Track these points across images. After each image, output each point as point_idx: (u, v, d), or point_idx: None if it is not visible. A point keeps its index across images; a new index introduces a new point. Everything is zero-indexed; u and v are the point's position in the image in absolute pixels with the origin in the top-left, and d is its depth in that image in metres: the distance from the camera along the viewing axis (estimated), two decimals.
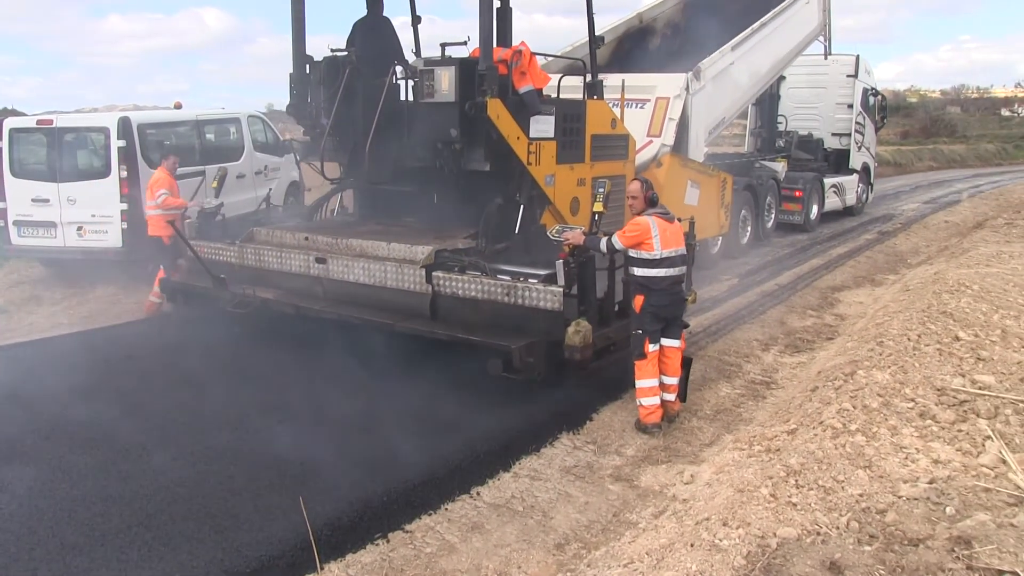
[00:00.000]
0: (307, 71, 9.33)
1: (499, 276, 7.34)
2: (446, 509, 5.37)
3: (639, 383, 6.73)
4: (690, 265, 6.99)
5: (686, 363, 7.09)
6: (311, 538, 4.59)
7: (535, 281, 7.07)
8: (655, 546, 4.45)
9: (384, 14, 9.92)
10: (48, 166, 11.81)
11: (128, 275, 11.86)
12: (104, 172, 11.51)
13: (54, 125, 11.86)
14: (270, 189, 10.40)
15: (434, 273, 7.50)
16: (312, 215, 10.22)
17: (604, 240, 6.77)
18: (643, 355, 6.70)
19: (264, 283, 8.64)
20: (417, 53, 10.43)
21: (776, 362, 8.63)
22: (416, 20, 10.88)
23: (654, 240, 6.58)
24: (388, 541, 4.98)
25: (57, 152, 11.77)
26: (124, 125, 11.47)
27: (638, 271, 6.73)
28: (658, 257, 6.62)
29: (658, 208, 6.78)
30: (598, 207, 7.36)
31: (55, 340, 9.25)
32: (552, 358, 6.80)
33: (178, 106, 13.67)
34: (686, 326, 7.05)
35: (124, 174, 11.38)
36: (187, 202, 10.51)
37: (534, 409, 6.82)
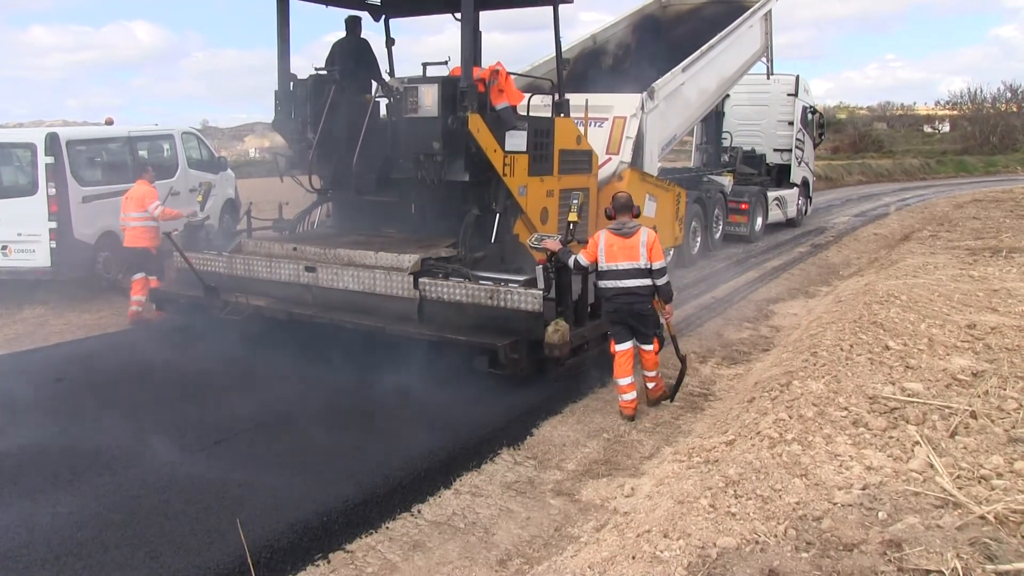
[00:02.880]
0: (291, 88, 9.87)
1: (481, 281, 7.84)
2: (387, 528, 5.31)
3: (614, 380, 7.42)
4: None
5: (682, 370, 7.74)
6: (249, 562, 4.50)
7: (516, 285, 7.63)
8: (597, 559, 4.46)
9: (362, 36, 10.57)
10: None
11: (57, 295, 11.56)
12: (31, 189, 11.22)
13: None
14: (251, 203, 10.74)
15: (421, 279, 8.04)
16: (295, 227, 10.57)
17: (572, 257, 7.34)
18: (611, 354, 7.37)
19: (252, 292, 8.97)
20: (391, 72, 11.13)
21: (714, 374, 8.75)
22: (390, 42, 11.51)
23: (599, 253, 7.20)
24: (329, 562, 4.91)
25: None
26: (52, 141, 11.21)
27: (596, 280, 7.46)
28: (603, 269, 7.22)
29: (614, 224, 7.27)
30: (572, 217, 7.92)
31: None
32: (533, 355, 7.39)
33: (109, 122, 13.40)
34: (657, 333, 7.43)
35: (52, 191, 11.12)
36: (183, 212, 10.77)
37: (474, 425, 6.80)
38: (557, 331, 7.14)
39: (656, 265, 7.16)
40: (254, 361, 8.38)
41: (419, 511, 5.56)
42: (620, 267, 7.15)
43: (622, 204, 7.28)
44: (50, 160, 11.12)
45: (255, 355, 8.53)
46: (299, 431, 6.59)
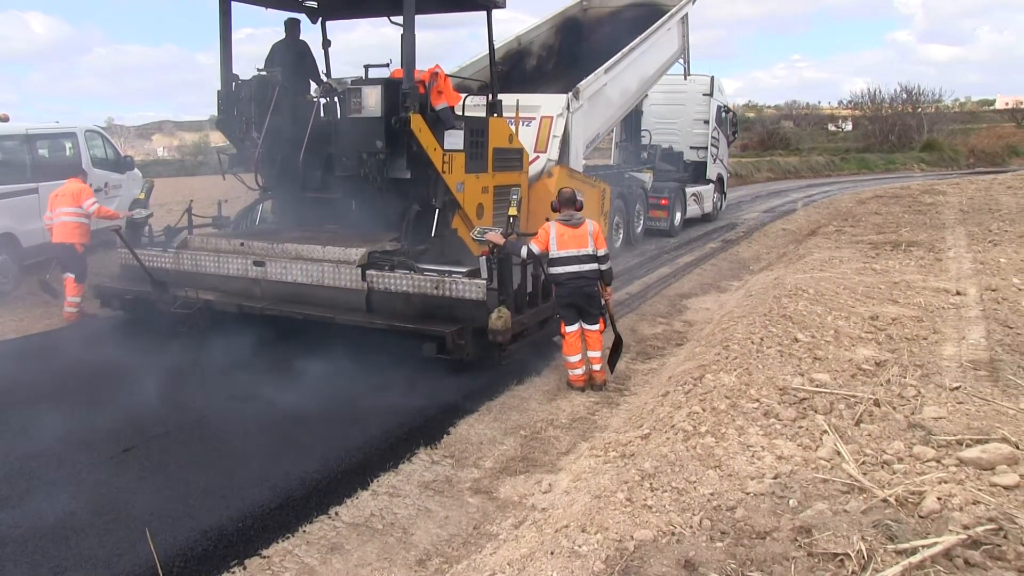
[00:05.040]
0: (233, 88, 10.10)
1: (426, 273, 8.21)
2: (304, 531, 5.22)
3: (564, 357, 8.13)
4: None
5: (618, 343, 8.33)
6: (160, 573, 4.36)
7: (460, 275, 8.03)
8: (516, 556, 4.47)
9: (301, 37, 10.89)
10: None
11: None
12: None
13: None
14: (191, 201, 10.68)
15: (368, 271, 8.34)
16: (238, 224, 10.66)
17: (525, 248, 7.85)
18: (561, 335, 8.10)
19: (199, 287, 9.02)
20: (328, 73, 11.38)
21: (628, 369, 8.86)
22: (327, 43, 11.69)
23: (551, 242, 7.81)
24: (245, 568, 4.80)
25: None
26: None
27: (547, 267, 8.01)
28: (555, 256, 7.84)
29: (562, 215, 7.93)
30: (512, 211, 8.47)
31: None
32: (477, 342, 7.78)
33: (4, 119, 12.80)
34: (602, 313, 8.08)
35: None
36: (120, 212, 10.66)
37: (391, 425, 6.73)
38: (500, 318, 7.58)
39: (601, 252, 7.89)
40: (170, 363, 8.10)
41: (336, 513, 5.48)
42: (571, 254, 7.80)
43: (567, 198, 7.95)
44: None
45: (172, 357, 8.28)
46: (213, 435, 6.42)
